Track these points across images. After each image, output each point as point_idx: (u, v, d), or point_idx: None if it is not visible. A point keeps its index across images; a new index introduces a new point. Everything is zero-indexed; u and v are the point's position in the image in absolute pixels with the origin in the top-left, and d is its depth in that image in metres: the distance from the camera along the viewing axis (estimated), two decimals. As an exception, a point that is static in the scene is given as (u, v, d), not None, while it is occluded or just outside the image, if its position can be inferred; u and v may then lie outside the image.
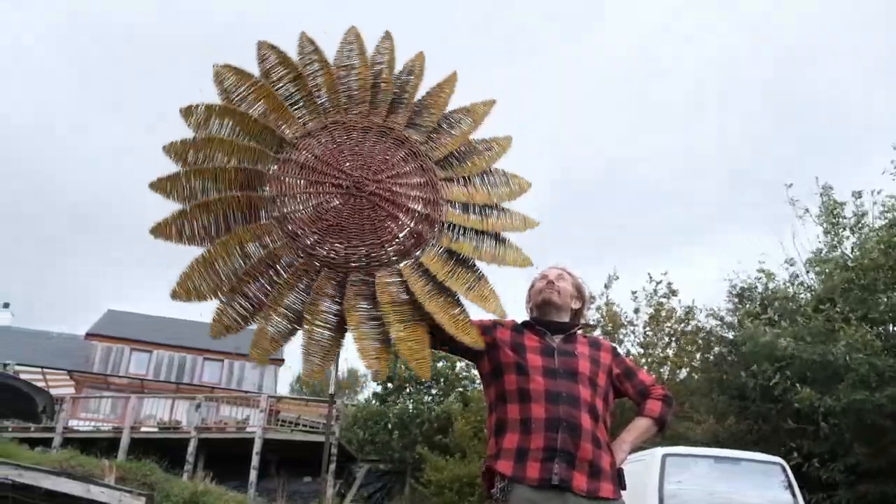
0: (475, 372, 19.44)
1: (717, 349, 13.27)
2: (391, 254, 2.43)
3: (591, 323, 2.74)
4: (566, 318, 2.61)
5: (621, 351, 15.62)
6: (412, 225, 2.48)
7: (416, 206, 2.50)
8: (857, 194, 10.79)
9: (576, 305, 2.64)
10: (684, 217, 54.96)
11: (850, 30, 60.03)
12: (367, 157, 2.53)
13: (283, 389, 39.23)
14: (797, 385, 9.08)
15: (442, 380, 19.94)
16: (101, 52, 61.60)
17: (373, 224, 2.45)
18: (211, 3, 63.11)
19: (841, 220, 10.69)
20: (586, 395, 2.36)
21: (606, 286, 15.93)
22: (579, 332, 2.60)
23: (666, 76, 59.86)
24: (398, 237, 2.45)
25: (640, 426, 2.49)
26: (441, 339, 2.45)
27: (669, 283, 15.51)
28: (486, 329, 2.52)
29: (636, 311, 15.75)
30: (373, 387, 21.31)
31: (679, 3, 61.57)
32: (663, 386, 2.61)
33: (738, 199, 47.24)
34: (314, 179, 2.48)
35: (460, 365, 19.51)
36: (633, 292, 15.72)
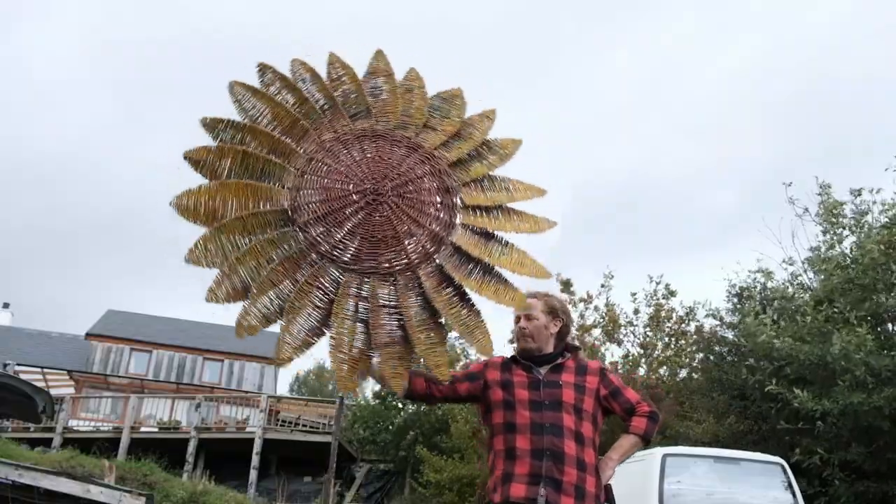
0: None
1: (717, 349, 13.26)
2: (411, 260, 2.46)
3: (577, 345, 2.79)
4: (550, 348, 2.68)
5: (621, 351, 15.67)
6: (429, 234, 2.51)
7: (433, 215, 2.54)
8: (857, 192, 10.74)
9: (555, 328, 2.70)
10: (703, 226, 55.11)
11: (874, 37, 60.04)
12: (388, 166, 2.57)
13: (283, 389, 39.29)
14: (794, 389, 9.06)
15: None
16: (90, 61, 61.59)
17: (390, 230, 2.48)
18: (233, 20, 63.12)
19: (840, 218, 10.64)
20: (570, 422, 2.49)
21: (603, 285, 15.98)
22: (568, 356, 2.68)
23: (687, 85, 59.87)
24: (416, 245, 2.48)
25: (626, 443, 2.64)
26: (442, 393, 2.61)
27: (668, 285, 15.63)
28: (477, 374, 2.68)
29: (636, 311, 15.80)
30: (372, 384, 21.22)
31: (700, 16, 61.56)
32: (649, 403, 2.71)
33: (756, 208, 47.30)
34: (333, 183, 2.52)
35: (460, 365, 19.50)
36: (633, 294, 15.78)
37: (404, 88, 2.78)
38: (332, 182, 2.52)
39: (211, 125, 2.55)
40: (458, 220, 2.57)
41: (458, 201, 2.61)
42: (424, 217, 2.53)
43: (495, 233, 2.58)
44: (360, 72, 2.80)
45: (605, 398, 2.62)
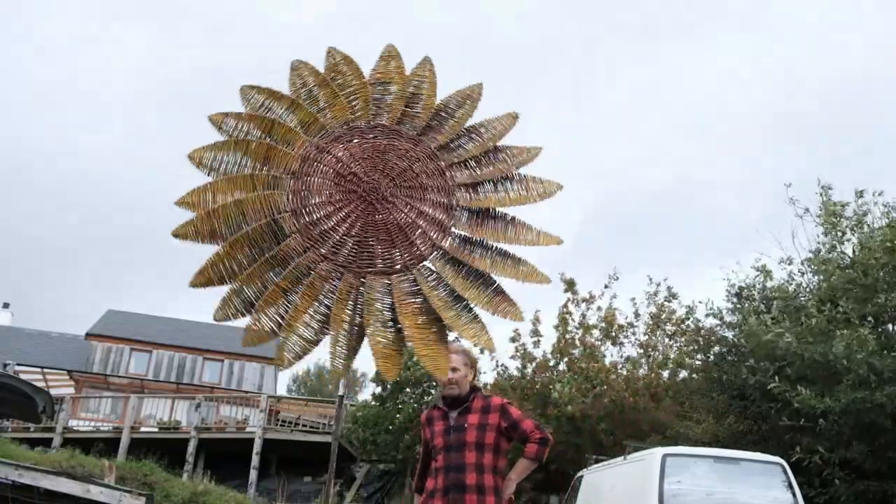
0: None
1: (717, 348, 13.26)
2: (407, 259, 2.50)
3: (479, 385, 3.44)
4: (465, 391, 3.37)
5: (620, 352, 15.66)
6: (428, 232, 2.54)
7: (433, 214, 2.57)
8: (859, 194, 10.77)
9: (471, 377, 3.43)
10: (702, 226, 55.15)
11: (874, 36, 60.03)
12: (391, 165, 2.59)
13: (283, 389, 39.29)
14: (797, 387, 9.06)
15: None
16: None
17: (389, 230, 2.51)
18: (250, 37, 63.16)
19: (842, 219, 10.64)
20: (472, 458, 3.21)
21: (607, 286, 15.96)
22: (476, 398, 3.35)
23: (687, 86, 59.91)
24: (415, 243, 2.52)
25: (521, 465, 3.32)
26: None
27: (669, 287, 15.68)
28: (426, 441, 3.45)
29: (636, 313, 15.81)
30: (372, 387, 21.23)
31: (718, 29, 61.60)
32: (541, 430, 3.34)
33: (755, 208, 47.30)
34: (335, 181, 2.54)
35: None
36: (633, 299, 15.84)
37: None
38: (327, 191, 2.55)
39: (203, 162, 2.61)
40: (456, 222, 2.61)
41: (459, 202, 2.65)
42: (422, 215, 2.57)
43: (490, 242, 2.67)
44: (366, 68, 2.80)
45: (505, 430, 3.28)
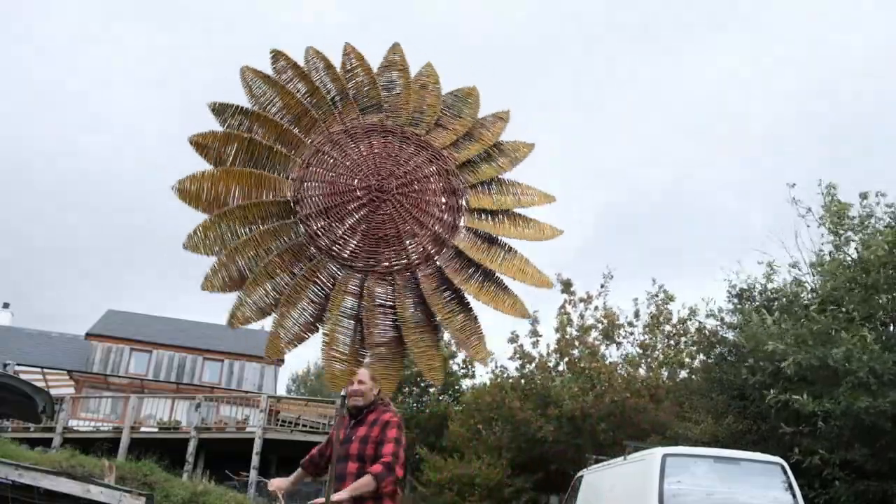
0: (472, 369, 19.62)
1: (717, 349, 13.26)
2: (411, 260, 2.51)
3: (380, 399, 3.71)
4: (367, 402, 3.65)
5: (619, 351, 15.70)
6: (431, 235, 2.55)
7: (436, 216, 2.58)
8: (863, 196, 10.78)
9: (376, 391, 3.68)
10: (702, 226, 55.08)
11: (874, 36, 59.99)
12: (395, 163, 2.62)
13: (283, 390, 39.26)
14: (794, 396, 9.06)
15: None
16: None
17: (392, 229, 2.52)
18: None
19: (846, 220, 10.63)
20: (353, 468, 3.47)
21: (603, 285, 15.99)
22: (373, 410, 3.60)
23: (687, 86, 59.85)
24: (417, 245, 2.54)
25: (364, 479, 3.41)
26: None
27: (666, 291, 15.77)
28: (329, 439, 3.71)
29: (636, 313, 15.83)
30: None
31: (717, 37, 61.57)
32: (394, 462, 3.47)
33: (756, 208, 47.26)
34: (338, 177, 2.55)
35: (458, 361, 19.50)
36: (635, 299, 15.88)
37: (419, 84, 2.83)
38: (337, 176, 2.56)
39: (219, 110, 2.59)
40: (461, 223, 2.62)
41: (464, 203, 2.66)
42: (428, 217, 2.57)
43: (499, 238, 2.63)
44: (376, 65, 2.81)
45: (378, 445, 3.49)
